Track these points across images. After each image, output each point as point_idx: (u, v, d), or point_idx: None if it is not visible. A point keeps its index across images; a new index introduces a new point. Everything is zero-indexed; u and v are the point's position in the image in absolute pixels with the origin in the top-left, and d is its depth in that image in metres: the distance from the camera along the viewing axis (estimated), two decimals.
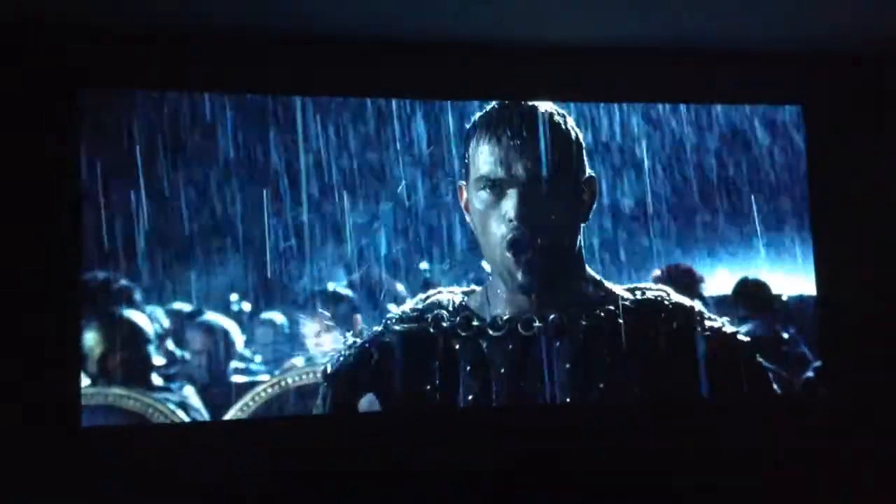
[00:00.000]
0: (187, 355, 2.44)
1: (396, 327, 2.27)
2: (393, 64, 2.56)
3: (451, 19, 2.39)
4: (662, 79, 2.68)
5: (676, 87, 2.70)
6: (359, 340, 2.34)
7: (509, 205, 2.18)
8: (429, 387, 2.26)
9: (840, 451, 2.65)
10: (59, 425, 2.32)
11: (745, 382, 2.34)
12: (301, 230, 2.45)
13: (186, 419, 2.40)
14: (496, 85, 2.51)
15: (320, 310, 2.48)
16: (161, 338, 2.42)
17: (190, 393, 2.43)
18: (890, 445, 2.68)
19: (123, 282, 2.39)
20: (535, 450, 2.50)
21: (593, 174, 2.34)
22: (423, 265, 2.48)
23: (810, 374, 2.68)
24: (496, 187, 2.19)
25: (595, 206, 2.33)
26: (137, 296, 2.40)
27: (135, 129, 2.41)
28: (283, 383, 2.47)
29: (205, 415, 2.43)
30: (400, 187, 2.48)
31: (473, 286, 2.36)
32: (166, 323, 2.42)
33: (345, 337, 2.43)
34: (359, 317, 2.48)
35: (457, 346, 2.25)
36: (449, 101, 2.49)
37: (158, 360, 2.42)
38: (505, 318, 2.24)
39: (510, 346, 2.24)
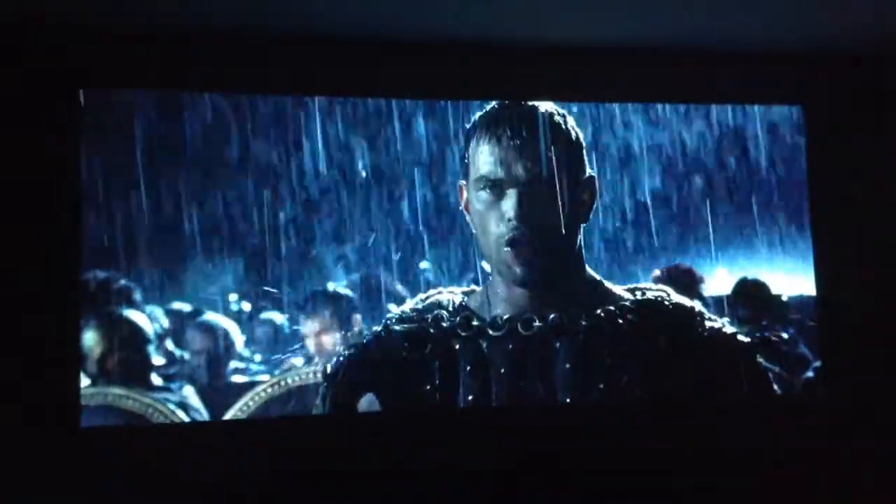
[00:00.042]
0: (187, 355, 2.44)
1: (396, 327, 2.27)
2: (393, 64, 2.56)
3: (451, 19, 2.39)
4: (662, 79, 2.68)
5: (676, 87, 2.70)
6: (359, 340, 2.34)
7: (509, 205, 2.18)
8: (429, 387, 2.26)
9: (840, 451, 2.65)
10: (59, 425, 2.31)
11: (745, 383, 2.34)
12: (301, 230, 2.45)
13: (186, 419, 2.40)
14: (496, 85, 2.51)
15: (320, 310, 2.48)
16: (161, 338, 2.42)
17: (190, 393, 2.42)
18: (890, 445, 2.68)
19: (123, 282, 2.39)
20: (535, 450, 2.50)
21: (593, 174, 2.34)
22: (424, 265, 2.48)
23: (810, 374, 2.68)
24: (496, 187, 2.19)
25: (595, 205, 2.33)
26: (137, 296, 2.40)
27: (135, 129, 2.41)
28: (282, 383, 2.46)
29: (204, 415, 2.43)
30: (400, 187, 2.48)
31: (473, 286, 2.36)
32: (166, 323, 2.42)
33: (345, 337, 2.43)
34: (359, 317, 2.48)
35: (457, 347, 2.25)
36: (449, 101, 2.49)
37: (158, 360, 2.42)
38: (505, 317, 2.24)
39: (510, 346, 2.24)
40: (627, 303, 2.27)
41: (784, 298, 2.69)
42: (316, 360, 2.47)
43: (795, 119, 2.75)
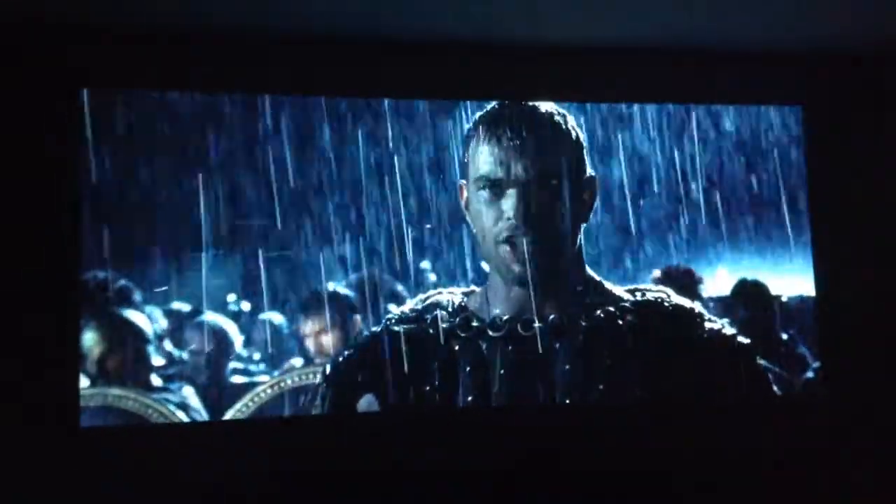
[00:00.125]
0: (186, 356, 2.44)
1: (396, 328, 2.27)
2: (393, 64, 2.56)
3: (451, 19, 2.39)
4: (662, 79, 2.68)
5: (676, 87, 2.70)
6: (358, 341, 2.34)
7: (509, 205, 2.18)
8: (428, 388, 2.26)
9: (840, 451, 2.65)
10: (59, 425, 2.31)
11: (744, 383, 2.34)
12: (301, 230, 2.45)
13: (186, 420, 2.40)
14: (496, 85, 2.51)
15: (320, 310, 2.48)
16: (160, 338, 2.42)
17: (189, 393, 2.42)
18: (890, 445, 2.68)
19: (123, 282, 2.39)
20: (535, 450, 2.50)
21: (593, 174, 2.34)
22: (424, 265, 2.48)
23: (810, 374, 2.68)
24: (496, 187, 2.19)
25: (595, 205, 2.33)
26: (137, 296, 2.40)
27: (135, 129, 2.41)
28: (282, 384, 2.46)
29: (204, 415, 2.43)
30: (400, 187, 2.48)
31: (473, 287, 2.36)
32: (165, 323, 2.42)
33: (344, 337, 2.43)
34: (358, 317, 2.48)
35: (456, 347, 2.25)
36: (449, 101, 2.49)
37: (158, 360, 2.42)
38: (504, 318, 2.24)
39: (510, 347, 2.24)
40: (627, 303, 2.27)
41: (784, 299, 2.69)
42: (316, 360, 2.47)
43: (795, 119, 2.75)
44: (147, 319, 2.40)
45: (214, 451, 2.40)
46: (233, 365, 2.47)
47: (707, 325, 2.29)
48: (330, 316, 2.47)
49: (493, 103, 2.29)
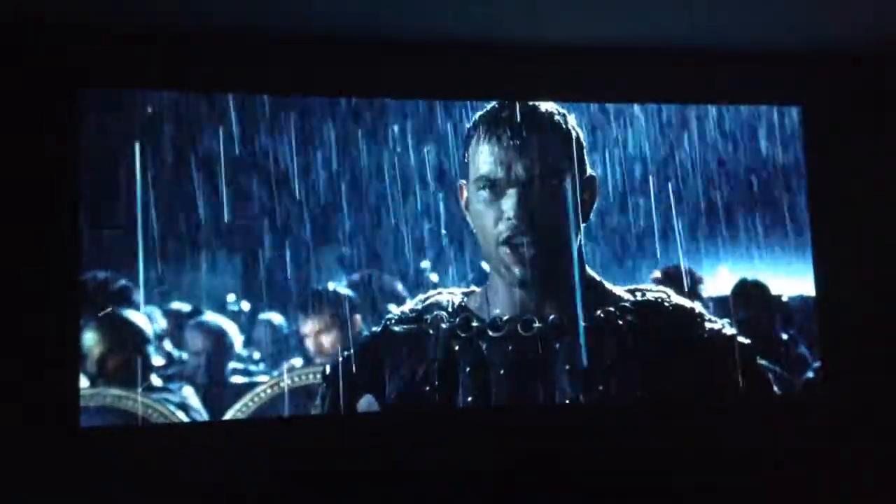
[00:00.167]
0: (186, 356, 2.44)
1: (396, 328, 2.27)
2: (393, 64, 2.56)
3: (451, 19, 2.39)
4: (662, 79, 2.68)
5: (676, 87, 2.70)
6: (358, 341, 2.34)
7: (509, 204, 2.18)
8: (428, 388, 2.26)
9: (840, 451, 2.65)
10: (59, 425, 2.31)
11: (745, 384, 2.34)
12: (301, 230, 2.45)
13: (186, 420, 2.40)
14: (496, 85, 2.50)
15: (320, 310, 2.48)
16: (160, 338, 2.42)
17: (189, 394, 2.42)
18: (890, 445, 2.68)
19: (123, 282, 2.39)
20: (535, 450, 2.50)
21: (594, 174, 2.34)
22: (424, 265, 2.48)
23: (810, 374, 2.68)
24: (496, 187, 2.19)
25: (595, 205, 2.33)
26: (136, 296, 2.40)
27: (135, 129, 2.41)
28: (282, 384, 2.46)
29: (204, 416, 2.43)
30: (401, 186, 2.48)
31: (473, 287, 2.36)
32: (165, 323, 2.42)
33: (344, 337, 2.43)
34: (359, 317, 2.48)
35: (456, 347, 2.25)
36: (449, 101, 2.49)
37: (157, 360, 2.42)
38: (505, 318, 2.24)
39: (510, 347, 2.24)
40: (627, 304, 2.27)
41: (784, 299, 2.69)
42: (316, 360, 2.47)
43: (795, 119, 2.75)
44: (147, 319, 2.40)
45: (214, 451, 2.40)
46: (233, 365, 2.47)
47: (707, 325, 2.29)
48: (330, 316, 2.47)
49: (493, 103, 2.29)
